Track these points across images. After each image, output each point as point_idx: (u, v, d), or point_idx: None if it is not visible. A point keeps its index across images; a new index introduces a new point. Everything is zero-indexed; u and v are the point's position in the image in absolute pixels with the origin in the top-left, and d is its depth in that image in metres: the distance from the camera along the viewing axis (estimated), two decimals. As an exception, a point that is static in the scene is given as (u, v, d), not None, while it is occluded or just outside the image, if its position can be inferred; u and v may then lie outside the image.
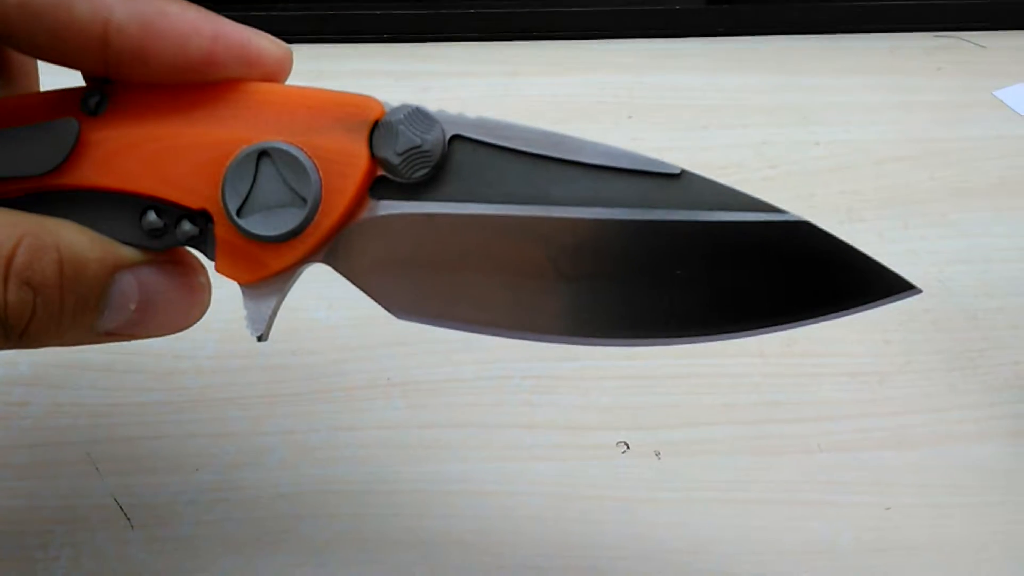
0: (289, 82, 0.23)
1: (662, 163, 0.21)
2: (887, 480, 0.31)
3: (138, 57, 0.21)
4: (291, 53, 0.23)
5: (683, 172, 0.21)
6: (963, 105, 0.47)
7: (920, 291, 0.21)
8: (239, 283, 0.22)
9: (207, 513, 0.30)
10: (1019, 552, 0.30)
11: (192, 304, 0.23)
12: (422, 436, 0.32)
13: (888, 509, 0.31)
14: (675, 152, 0.44)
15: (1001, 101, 0.48)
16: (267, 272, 0.22)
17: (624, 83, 0.48)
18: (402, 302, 0.22)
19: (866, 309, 0.21)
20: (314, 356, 0.34)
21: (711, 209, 0.21)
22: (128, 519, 0.30)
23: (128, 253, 0.22)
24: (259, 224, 0.21)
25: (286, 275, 0.22)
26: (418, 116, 0.22)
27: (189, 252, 0.24)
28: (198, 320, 0.24)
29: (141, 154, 0.22)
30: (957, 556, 0.30)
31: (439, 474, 0.31)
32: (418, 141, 0.21)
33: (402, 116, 0.21)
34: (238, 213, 0.21)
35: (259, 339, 0.22)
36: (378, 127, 0.22)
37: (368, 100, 0.22)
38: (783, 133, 0.46)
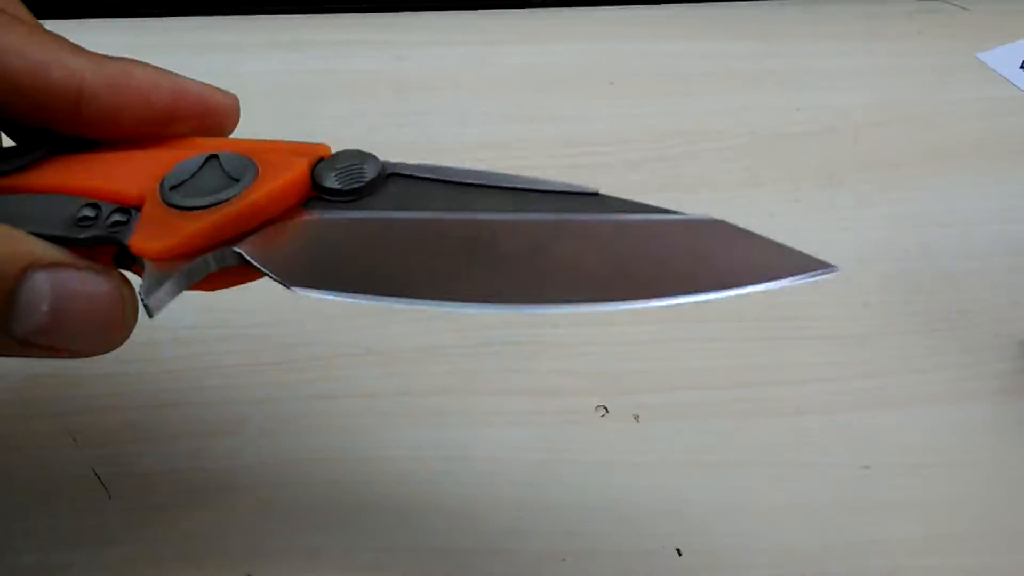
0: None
1: (581, 186, 0.23)
2: (865, 441, 0.31)
3: (108, 115, 0.23)
4: (238, 101, 0.25)
5: (599, 192, 0.23)
6: (945, 68, 0.47)
7: (837, 269, 0.20)
8: (146, 257, 0.21)
9: (185, 482, 0.30)
10: (997, 511, 0.30)
11: (112, 318, 0.22)
12: (401, 404, 0.32)
13: (866, 468, 0.31)
14: (657, 118, 0.44)
15: (984, 63, 0.47)
16: (179, 238, 0.21)
17: (605, 50, 0.48)
18: (303, 273, 0.22)
19: (776, 282, 0.21)
20: (292, 325, 0.34)
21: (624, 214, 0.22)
22: (106, 489, 0.30)
23: (43, 252, 0.21)
24: (187, 197, 0.22)
25: (197, 247, 0.22)
26: (362, 152, 0.23)
27: (116, 269, 0.23)
28: (122, 341, 0.22)
29: (96, 162, 0.24)
30: (935, 515, 0.30)
31: (418, 441, 0.31)
32: (357, 162, 0.23)
33: (347, 151, 0.24)
34: (171, 189, 0.22)
35: (148, 312, 0.21)
36: (323, 160, 0.23)
37: (320, 145, 0.24)
38: (764, 99, 0.45)
